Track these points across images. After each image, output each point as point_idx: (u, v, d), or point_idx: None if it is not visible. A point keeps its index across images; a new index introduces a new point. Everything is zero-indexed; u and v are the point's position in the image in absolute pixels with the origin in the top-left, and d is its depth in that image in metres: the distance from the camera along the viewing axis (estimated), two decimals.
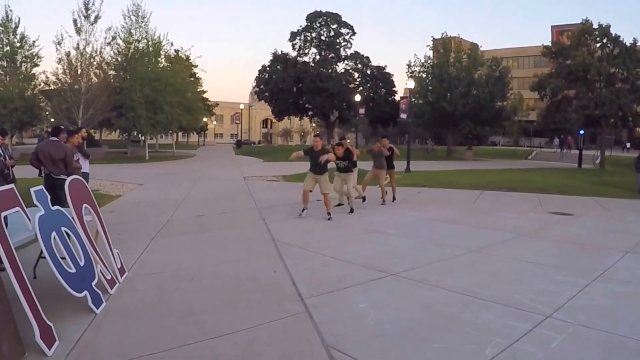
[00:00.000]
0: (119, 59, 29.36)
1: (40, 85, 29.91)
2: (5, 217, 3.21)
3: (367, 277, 5.22)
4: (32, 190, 3.70)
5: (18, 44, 30.16)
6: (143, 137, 33.04)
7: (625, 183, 17.92)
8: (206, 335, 3.52)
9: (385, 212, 9.98)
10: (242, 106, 57.45)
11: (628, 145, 49.94)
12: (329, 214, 8.98)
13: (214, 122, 74.67)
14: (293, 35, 46.22)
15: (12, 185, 3.43)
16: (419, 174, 20.17)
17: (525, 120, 55.40)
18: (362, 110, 38.30)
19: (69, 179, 4.26)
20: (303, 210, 9.15)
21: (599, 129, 33.46)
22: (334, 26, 45.59)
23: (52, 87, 27.94)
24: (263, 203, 11.07)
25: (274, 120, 69.18)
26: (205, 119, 49.33)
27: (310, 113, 48.57)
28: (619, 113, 30.17)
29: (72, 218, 4.09)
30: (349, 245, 6.82)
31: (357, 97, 36.95)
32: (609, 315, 4.25)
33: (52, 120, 27.83)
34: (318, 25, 45.45)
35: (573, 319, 4.13)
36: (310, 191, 9.28)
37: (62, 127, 8.05)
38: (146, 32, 30.17)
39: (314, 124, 73.87)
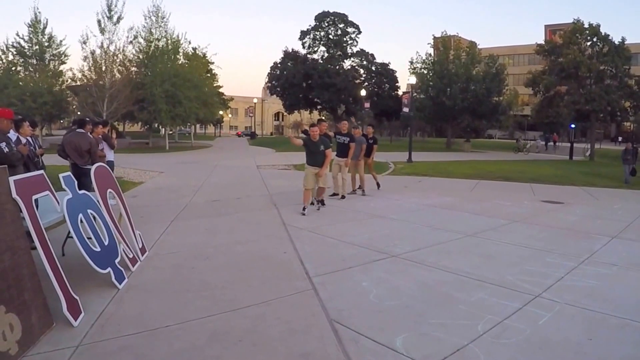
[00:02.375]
0: (141, 57, 29.38)
1: (67, 81, 30.14)
2: (36, 200, 3.23)
3: (370, 258, 5.21)
4: (60, 175, 3.72)
5: (46, 44, 30.35)
6: (163, 129, 33.19)
7: (613, 174, 17.68)
8: (220, 308, 3.54)
9: (388, 199, 9.93)
10: (255, 100, 57.42)
11: (620, 139, 49.19)
12: (319, 202, 8.47)
13: (230, 115, 74.63)
14: (303, 34, 46.04)
15: (42, 171, 3.45)
16: (420, 164, 20.05)
17: (520, 114, 54.77)
18: (367, 104, 38.07)
19: (94, 166, 4.28)
20: (304, 209, 7.93)
21: (589, 123, 33.04)
22: (341, 25, 45.24)
23: (78, 82, 28.09)
24: (274, 189, 11.05)
25: (285, 114, 69.08)
26: (221, 112, 49.28)
27: (319, 107, 48.30)
28: (608, 108, 29.72)
29: (97, 201, 4.11)
30: (353, 229, 6.80)
31: (363, 92, 36.69)
32: (594, 295, 4.21)
33: (78, 113, 28.03)
34: (326, 24, 45.15)
35: (560, 298, 4.10)
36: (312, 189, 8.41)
37: (88, 118, 8.06)
38: (165, 31, 30.19)
39: (323, 117, 73.65)
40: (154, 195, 9.90)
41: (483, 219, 7.92)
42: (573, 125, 33.98)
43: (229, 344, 2.97)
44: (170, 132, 34.60)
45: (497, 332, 3.36)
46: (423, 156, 24.33)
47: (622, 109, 30.88)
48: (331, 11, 45.53)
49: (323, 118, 10.97)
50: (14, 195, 2.90)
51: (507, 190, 12.19)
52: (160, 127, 32.15)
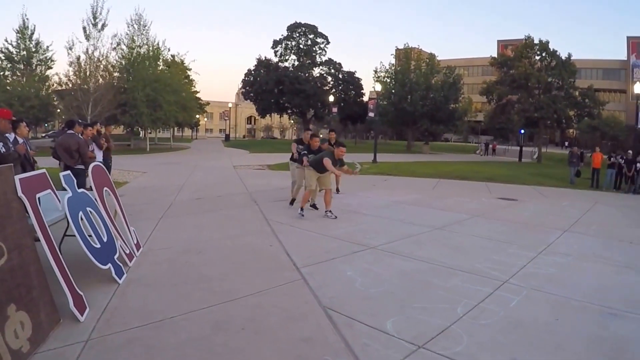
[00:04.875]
0: (123, 63, 28.81)
1: (53, 85, 29.22)
2: (38, 199, 3.09)
3: (350, 250, 5.26)
4: (61, 174, 3.56)
5: (33, 49, 29.62)
6: (142, 132, 32.44)
7: (559, 175, 18.53)
8: (219, 299, 3.49)
9: (360, 196, 10.00)
10: (230, 105, 56.67)
11: (566, 143, 51.47)
12: (331, 212, 7.39)
13: (205, 119, 73.33)
14: (275, 43, 46.05)
15: (44, 170, 3.29)
16: (384, 164, 20.33)
17: (474, 120, 56.60)
18: (335, 109, 38.42)
19: (91, 165, 4.12)
20: (302, 210, 7.26)
21: (537, 129, 34.59)
22: (311, 36, 45.44)
23: (64, 87, 27.20)
24: (252, 188, 10.94)
25: (257, 117, 68.61)
26: (198, 116, 48.38)
27: (289, 111, 48.39)
28: (555, 116, 31.29)
29: (95, 199, 3.97)
30: (332, 224, 6.81)
31: (331, 98, 36.93)
32: (555, 281, 4.43)
33: (63, 117, 27.15)
34: (297, 35, 45.27)
35: (526, 284, 4.29)
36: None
37: (80, 120, 7.74)
38: (147, 38, 29.81)
39: (292, 121, 73.69)
40: (139, 194, 9.59)
41: (448, 214, 8.12)
42: (522, 131, 35.45)
43: (233, 332, 2.94)
44: (150, 134, 33.75)
45: (475, 314, 3.47)
46: (386, 157, 24.69)
47: (567, 117, 32.59)
48: (302, 22, 45.66)
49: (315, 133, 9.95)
50: (20, 193, 2.76)
51: (466, 189, 12.55)
52: (140, 129, 31.39)
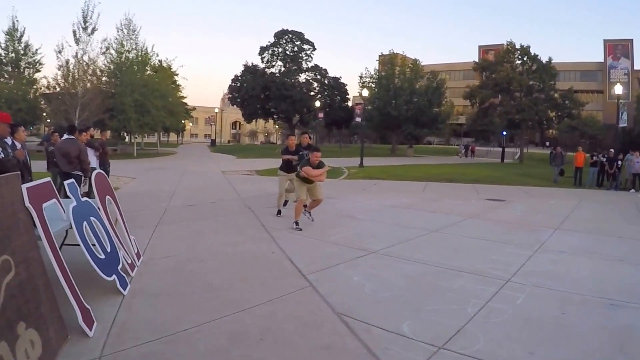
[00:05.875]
0: (112, 67, 28.35)
1: (41, 89, 28.55)
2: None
3: (353, 255, 5.19)
4: (65, 183, 3.41)
5: (22, 52, 28.84)
6: (128, 137, 31.91)
7: (542, 174, 18.89)
8: (230, 309, 3.37)
9: (351, 201, 9.95)
10: (216, 110, 56.27)
11: (547, 143, 52.45)
12: (309, 214, 7.20)
13: (191, 124, 72.56)
14: (262, 50, 46.03)
15: (48, 179, 3.14)
16: (371, 168, 20.31)
17: (456, 123, 57.36)
18: (321, 115, 38.46)
19: (94, 173, 3.96)
20: (297, 224, 6.70)
21: (518, 131, 35.37)
22: (298, 43, 45.56)
23: (52, 90, 26.57)
24: (244, 193, 10.78)
25: (242, 123, 68.25)
26: (184, 121, 47.85)
27: (275, 117, 48.27)
28: (536, 117, 32.06)
29: (98, 208, 3.81)
30: (328, 229, 6.74)
31: (317, 104, 37.03)
32: (554, 278, 4.48)
33: (48, 120, 26.52)
34: (284, 41, 45.38)
35: (527, 281, 4.32)
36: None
37: (75, 125, 7.51)
38: (136, 44, 29.47)
39: (277, 126, 73.58)
40: (132, 201, 9.32)
41: (440, 216, 8.15)
42: (504, 133, 36.13)
43: (251, 343, 2.83)
44: (137, 139, 33.20)
45: (485, 313, 3.48)
46: (372, 161, 24.71)
47: (548, 118, 33.51)
48: (289, 29, 45.75)
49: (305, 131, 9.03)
50: (27, 203, 2.61)
51: (454, 191, 12.66)
52: (125, 134, 30.89)
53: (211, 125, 62.92)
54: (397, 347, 2.85)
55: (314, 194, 7.09)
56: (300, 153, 7.82)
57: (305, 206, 7.16)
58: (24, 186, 2.62)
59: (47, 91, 27.48)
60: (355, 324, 3.18)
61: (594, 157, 15.28)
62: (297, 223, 6.68)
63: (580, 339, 3.08)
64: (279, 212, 7.86)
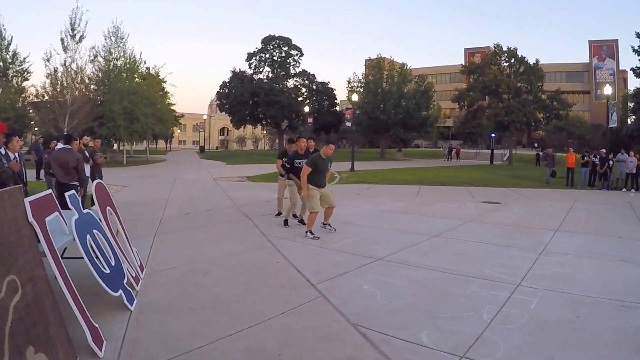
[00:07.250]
0: (100, 75, 27.99)
1: (29, 97, 27.97)
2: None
3: (359, 263, 5.10)
4: (66, 194, 3.25)
5: (10, 60, 28.33)
6: (116, 144, 31.43)
7: (532, 175, 19.05)
8: (244, 324, 3.24)
9: (347, 206, 9.57)
10: (205, 116, 55.80)
11: (535, 144, 52.98)
12: (330, 225, 7.03)
13: (179, 131, 71.91)
14: (250, 56, 45.84)
15: (50, 190, 2.98)
16: (362, 172, 20.19)
17: (443, 126, 57.99)
18: (310, 120, 38.49)
19: (94, 184, 3.80)
20: (312, 233, 6.51)
21: (507, 133, 35.81)
22: (285, 48, 45.44)
23: (40, 99, 26.10)
24: (239, 201, 10.57)
25: (230, 129, 67.91)
26: (172, 128, 47.35)
27: (264, 122, 48.09)
28: (525, 119, 32.50)
29: (99, 220, 3.65)
30: (330, 236, 6.60)
31: (307, 109, 36.99)
32: (563, 280, 4.47)
33: (35, 129, 25.96)
34: (272, 47, 45.23)
35: (538, 285, 4.29)
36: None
37: (71, 134, 7.26)
38: (124, 51, 29.18)
39: (265, 131, 73.33)
40: (125, 210, 8.97)
41: (439, 220, 8.06)
42: (493, 135, 36.57)
43: (271, 359, 2.72)
44: (126, 146, 32.75)
45: (501, 319, 3.43)
46: (363, 165, 24.61)
47: (536, 120, 33.98)
48: (277, 35, 45.67)
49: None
50: (31, 218, 2.46)
51: (448, 194, 12.62)
52: (114, 142, 30.47)
53: (200, 131, 62.42)
54: (418, 358, 2.78)
55: (328, 201, 6.86)
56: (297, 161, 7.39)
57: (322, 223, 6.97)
58: (27, 200, 2.47)
59: (36, 99, 27.03)
60: (374, 335, 3.09)
61: (586, 158, 15.49)
62: (311, 232, 6.47)
63: (598, 342, 3.06)
64: (286, 222, 7.51)
